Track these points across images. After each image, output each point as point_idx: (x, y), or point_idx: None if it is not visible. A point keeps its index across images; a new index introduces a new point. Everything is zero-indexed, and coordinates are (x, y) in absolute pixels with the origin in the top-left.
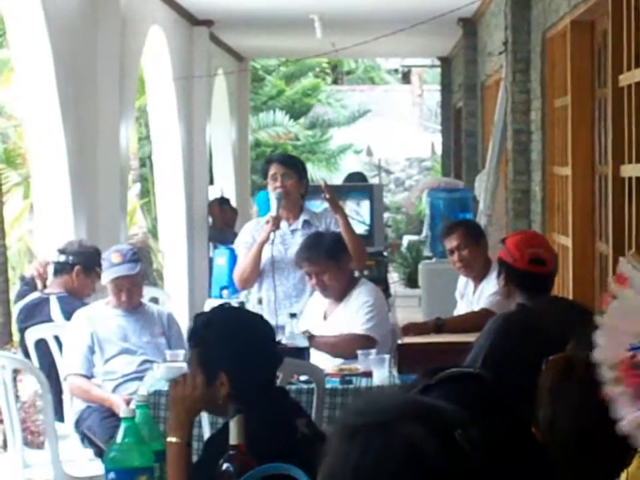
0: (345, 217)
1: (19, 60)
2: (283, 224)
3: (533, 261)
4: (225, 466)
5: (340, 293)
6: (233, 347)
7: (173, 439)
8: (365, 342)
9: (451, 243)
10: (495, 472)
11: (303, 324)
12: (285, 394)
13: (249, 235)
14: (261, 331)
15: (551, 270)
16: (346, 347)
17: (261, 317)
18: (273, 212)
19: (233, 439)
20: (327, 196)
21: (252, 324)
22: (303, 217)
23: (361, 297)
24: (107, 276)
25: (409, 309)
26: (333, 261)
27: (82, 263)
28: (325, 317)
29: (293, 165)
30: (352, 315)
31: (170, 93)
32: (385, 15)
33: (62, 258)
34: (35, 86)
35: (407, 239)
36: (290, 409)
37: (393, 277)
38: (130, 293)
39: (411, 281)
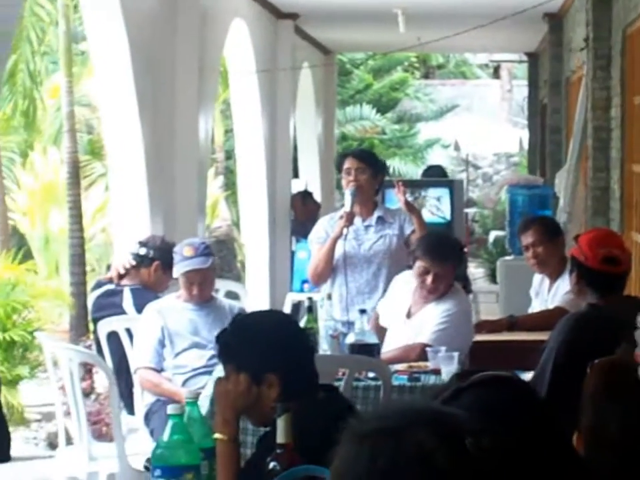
0: (419, 217)
1: (96, 53)
2: (357, 219)
3: (606, 260)
4: (271, 464)
5: (436, 297)
6: (274, 345)
7: (219, 436)
8: (422, 350)
9: (527, 239)
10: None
11: (384, 318)
12: (336, 392)
13: (322, 230)
14: (294, 326)
15: (624, 270)
16: (405, 359)
17: (287, 314)
18: (346, 207)
19: (280, 438)
20: (401, 197)
21: (282, 320)
22: (377, 213)
23: (445, 304)
24: (178, 269)
25: (487, 305)
26: (453, 269)
27: (161, 259)
28: (408, 315)
29: (368, 160)
30: (431, 318)
31: (253, 86)
32: (469, 9)
33: (142, 251)
34: (112, 79)
35: (493, 235)
36: (340, 407)
37: (479, 272)
38: (201, 287)
39: (495, 276)
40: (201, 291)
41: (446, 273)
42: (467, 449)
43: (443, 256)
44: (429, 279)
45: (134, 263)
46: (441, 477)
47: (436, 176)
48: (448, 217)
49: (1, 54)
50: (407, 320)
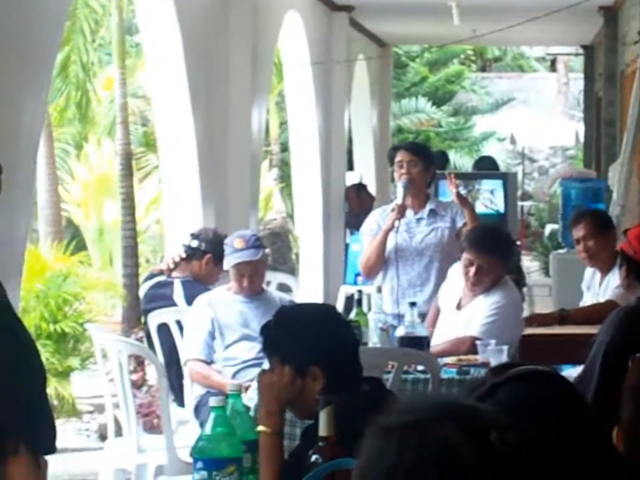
0: (471, 209)
1: (148, 45)
2: (409, 212)
3: None
4: (313, 457)
5: (483, 289)
6: (318, 337)
7: (263, 428)
8: (472, 344)
9: (578, 232)
10: (557, 474)
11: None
12: (380, 384)
13: (374, 222)
14: (339, 319)
15: None
16: (455, 352)
17: (330, 306)
18: (398, 200)
19: (323, 431)
20: (453, 189)
21: (327, 313)
22: (429, 206)
23: (494, 297)
24: (229, 261)
25: (540, 298)
26: (500, 262)
27: (213, 252)
28: (458, 306)
29: (420, 153)
30: (480, 311)
31: (307, 78)
32: (524, 1)
33: (194, 243)
34: (164, 72)
35: (549, 228)
36: (384, 399)
37: (534, 265)
38: (251, 279)
39: (549, 270)
40: (251, 283)
41: (491, 267)
42: (492, 444)
43: (488, 249)
44: (472, 270)
45: (184, 255)
46: (465, 471)
47: (487, 167)
48: (501, 209)
49: (53, 44)
50: (457, 311)
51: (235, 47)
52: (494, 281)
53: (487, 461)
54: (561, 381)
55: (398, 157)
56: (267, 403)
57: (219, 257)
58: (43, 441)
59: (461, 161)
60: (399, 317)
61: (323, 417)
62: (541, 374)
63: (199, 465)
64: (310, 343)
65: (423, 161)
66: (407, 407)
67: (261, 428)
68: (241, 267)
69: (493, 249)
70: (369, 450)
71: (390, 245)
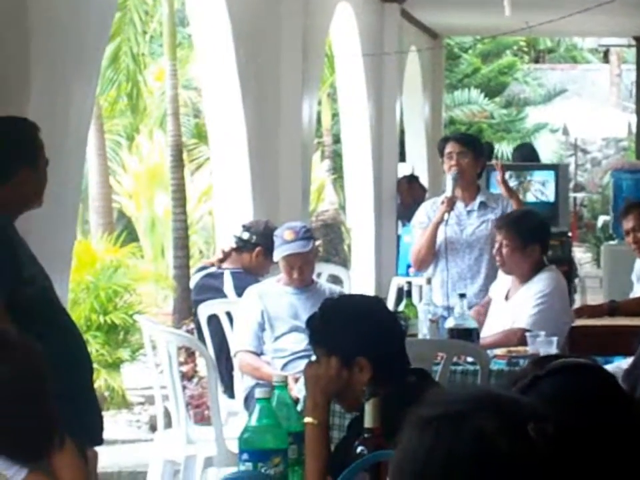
0: (519, 201)
1: (199, 37)
2: (459, 204)
3: None
4: (359, 449)
5: (519, 276)
6: (364, 328)
7: (309, 420)
8: (522, 336)
9: (628, 223)
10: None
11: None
12: (427, 376)
13: (424, 215)
14: (385, 310)
15: None
16: (506, 344)
17: (376, 297)
18: (448, 192)
19: (368, 422)
20: (500, 179)
21: (373, 304)
22: (479, 198)
23: (537, 285)
24: (279, 253)
25: (592, 289)
26: (520, 240)
27: (264, 245)
28: (506, 297)
29: (470, 144)
30: (526, 300)
31: (359, 70)
32: None
33: (245, 235)
34: (215, 63)
35: (601, 220)
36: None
37: (586, 257)
38: (301, 271)
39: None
40: (301, 274)
41: (512, 244)
42: (529, 435)
43: (507, 225)
44: (497, 246)
45: (235, 246)
46: (502, 461)
47: (527, 154)
48: (552, 201)
49: (102, 35)
50: (505, 302)
51: (285, 39)
52: (532, 266)
53: (523, 452)
54: (603, 373)
55: (448, 149)
56: (314, 394)
57: (269, 249)
58: (90, 433)
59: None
60: (449, 310)
61: (368, 408)
62: (582, 366)
63: (245, 456)
64: (356, 334)
65: (473, 152)
66: (445, 398)
67: (307, 419)
68: (290, 259)
69: (513, 225)
70: (406, 440)
71: (440, 237)
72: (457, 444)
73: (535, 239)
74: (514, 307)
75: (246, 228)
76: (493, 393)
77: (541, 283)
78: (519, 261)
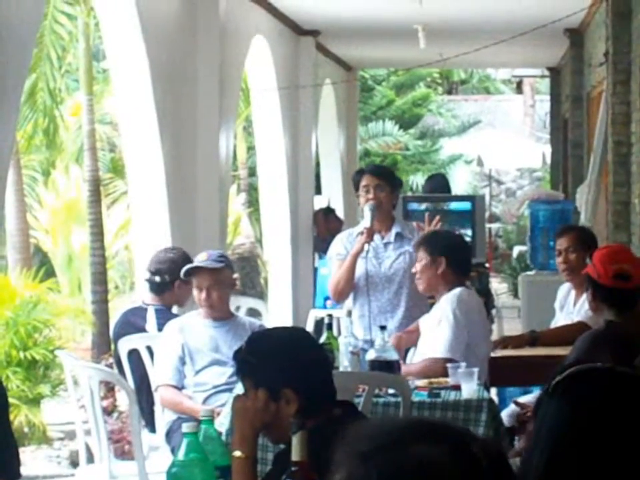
0: None
1: (116, 71)
2: (376, 237)
3: (617, 276)
4: None
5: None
6: (290, 361)
7: (237, 453)
8: (444, 365)
9: (561, 244)
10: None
11: None
12: (353, 408)
13: (341, 246)
14: (311, 342)
15: (635, 285)
16: (429, 373)
17: (302, 329)
18: (366, 223)
19: (296, 456)
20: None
21: (299, 336)
22: (395, 229)
23: (436, 306)
24: (187, 269)
25: (509, 320)
26: (428, 255)
27: (179, 275)
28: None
29: (385, 177)
30: (434, 322)
31: (275, 102)
32: (489, 24)
33: (157, 279)
34: (132, 97)
35: (517, 250)
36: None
37: (502, 287)
38: (209, 293)
39: (517, 292)
40: (209, 297)
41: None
42: (475, 454)
43: (421, 241)
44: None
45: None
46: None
47: (438, 185)
48: (469, 232)
49: (21, 72)
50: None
51: (202, 72)
52: (433, 284)
53: (470, 473)
54: (623, 377)
55: (364, 182)
56: (242, 427)
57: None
58: (6, 468)
59: None
60: (371, 343)
61: (295, 441)
62: (600, 371)
63: None
64: (282, 366)
65: (389, 184)
66: (378, 429)
67: (235, 453)
68: (199, 278)
69: (423, 244)
70: (349, 476)
71: (359, 271)
72: (402, 473)
73: (438, 257)
74: (423, 332)
75: (153, 273)
76: (424, 421)
77: (435, 309)
78: (425, 280)
